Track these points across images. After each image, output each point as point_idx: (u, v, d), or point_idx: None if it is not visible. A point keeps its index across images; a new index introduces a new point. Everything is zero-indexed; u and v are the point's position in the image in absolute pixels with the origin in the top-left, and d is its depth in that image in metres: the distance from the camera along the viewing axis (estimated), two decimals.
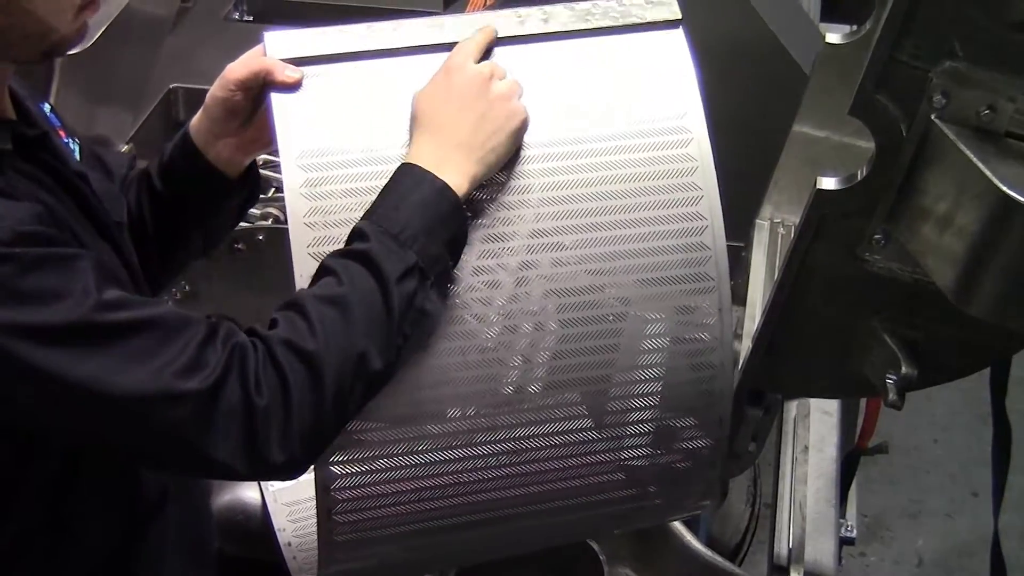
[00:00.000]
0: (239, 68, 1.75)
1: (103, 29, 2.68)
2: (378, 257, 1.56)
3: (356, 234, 1.60)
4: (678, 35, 1.78)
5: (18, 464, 1.58)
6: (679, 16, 1.79)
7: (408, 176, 1.62)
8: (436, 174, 1.62)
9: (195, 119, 1.84)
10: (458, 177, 1.63)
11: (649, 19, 1.78)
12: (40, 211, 1.49)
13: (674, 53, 1.77)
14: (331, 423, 1.56)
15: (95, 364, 1.44)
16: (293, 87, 1.69)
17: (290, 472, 1.57)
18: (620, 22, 1.78)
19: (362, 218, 1.61)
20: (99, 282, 1.46)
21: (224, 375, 1.48)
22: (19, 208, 1.46)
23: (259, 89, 1.74)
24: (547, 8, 1.78)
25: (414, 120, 1.68)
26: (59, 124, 1.74)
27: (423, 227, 1.59)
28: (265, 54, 1.73)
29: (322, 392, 1.52)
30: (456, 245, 1.64)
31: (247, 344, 1.53)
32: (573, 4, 1.79)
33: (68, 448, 1.61)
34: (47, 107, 1.75)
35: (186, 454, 1.51)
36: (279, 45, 1.72)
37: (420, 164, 1.63)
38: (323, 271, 1.59)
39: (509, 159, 1.69)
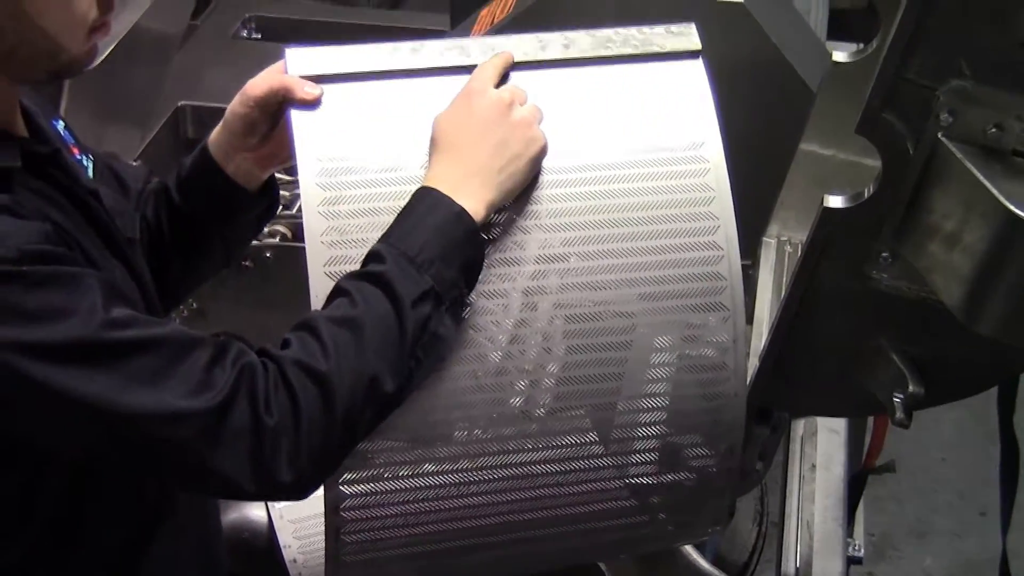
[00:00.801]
0: (259, 84, 1.76)
1: (112, 47, 2.69)
2: (394, 280, 1.56)
3: (372, 256, 1.60)
4: (698, 65, 1.79)
5: (27, 480, 1.58)
6: (699, 46, 1.79)
7: (425, 200, 1.63)
8: (453, 199, 1.62)
9: (214, 133, 1.85)
10: (475, 203, 1.63)
11: (669, 48, 1.79)
12: (48, 229, 1.48)
13: (694, 83, 1.78)
14: (340, 444, 1.56)
15: (101, 383, 1.43)
16: (313, 104, 1.69)
17: (298, 492, 1.56)
18: (640, 50, 1.79)
19: (379, 240, 1.61)
20: (107, 300, 1.46)
21: (232, 395, 1.48)
22: (26, 226, 1.46)
23: (278, 105, 1.75)
24: (568, 34, 1.78)
25: (433, 143, 1.68)
26: (72, 141, 1.74)
27: (439, 252, 1.59)
28: (286, 70, 1.73)
29: (333, 413, 1.51)
30: (471, 271, 1.64)
31: (257, 364, 1.52)
32: (594, 31, 1.79)
33: (77, 464, 1.60)
34: (60, 124, 1.75)
35: (193, 473, 1.51)
36: (300, 62, 1.73)
37: (438, 188, 1.63)
38: (337, 292, 1.58)
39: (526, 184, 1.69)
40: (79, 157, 1.73)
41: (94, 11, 1.55)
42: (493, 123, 1.68)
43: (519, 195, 1.69)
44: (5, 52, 1.51)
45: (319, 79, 1.71)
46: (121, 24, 2.77)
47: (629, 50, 1.78)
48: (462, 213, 1.61)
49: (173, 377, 1.47)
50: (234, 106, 1.80)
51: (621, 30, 1.80)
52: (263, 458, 1.49)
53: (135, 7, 2.85)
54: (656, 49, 1.79)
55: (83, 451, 1.53)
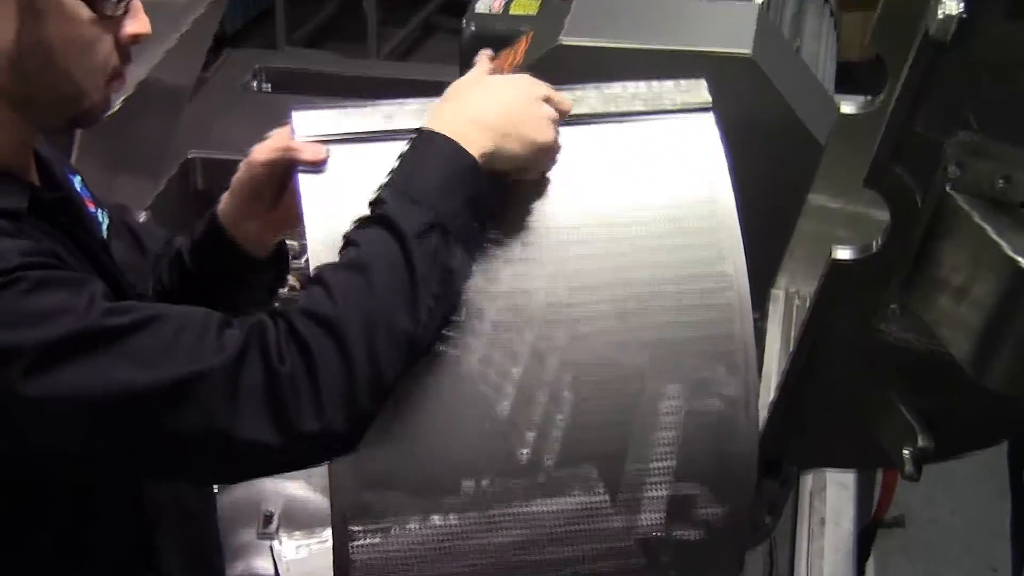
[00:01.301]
0: (264, 150, 1.76)
1: (123, 99, 2.70)
2: (395, 217, 1.53)
3: (375, 201, 1.58)
4: (708, 120, 1.79)
5: (28, 509, 1.58)
6: (709, 101, 1.79)
7: (422, 139, 1.61)
8: (450, 138, 1.60)
9: (223, 200, 1.85)
10: (471, 147, 1.60)
11: (680, 104, 1.79)
12: (47, 249, 1.50)
13: (705, 138, 1.78)
14: (368, 387, 1.50)
15: (112, 369, 1.42)
16: (319, 166, 1.68)
17: (331, 443, 1.51)
18: (651, 106, 1.79)
19: (381, 186, 1.60)
20: (106, 297, 1.46)
21: (244, 350, 1.45)
22: (24, 242, 1.47)
23: (285, 170, 1.74)
24: (577, 91, 1.78)
25: (443, 97, 1.69)
26: (88, 195, 1.76)
27: (438, 185, 1.57)
28: (292, 133, 1.72)
29: (349, 355, 1.47)
30: (477, 204, 1.60)
31: (266, 321, 1.50)
32: (603, 87, 1.79)
33: (83, 486, 1.60)
34: (78, 179, 1.76)
35: (216, 448, 1.47)
36: (306, 124, 1.72)
37: (435, 129, 1.61)
38: (345, 244, 1.57)
39: (531, 228, 1.69)
40: (94, 211, 1.74)
41: (114, 59, 1.58)
42: (511, 93, 1.67)
43: (528, 245, 1.69)
44: (30, 94, 1.53)
45: (325, 141, 1.70)
46: (132, 76, 2.77)
47: (639, 105, 1.78)
48: (459, 148, 1.59)
49: (182, 346, 1.45)
50: (240, 173, 1.80)
51: (630, 86, 1.80)
52: (283, 408, 1.45)
53: (146, 59, 2.87)
54: (666, 104, 1.79)
55: (100, 463, 1.50)
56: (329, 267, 1.54)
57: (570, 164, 1.74)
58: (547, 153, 1.68)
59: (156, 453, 1.49)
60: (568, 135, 1.75)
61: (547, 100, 1.68)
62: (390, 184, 1.58)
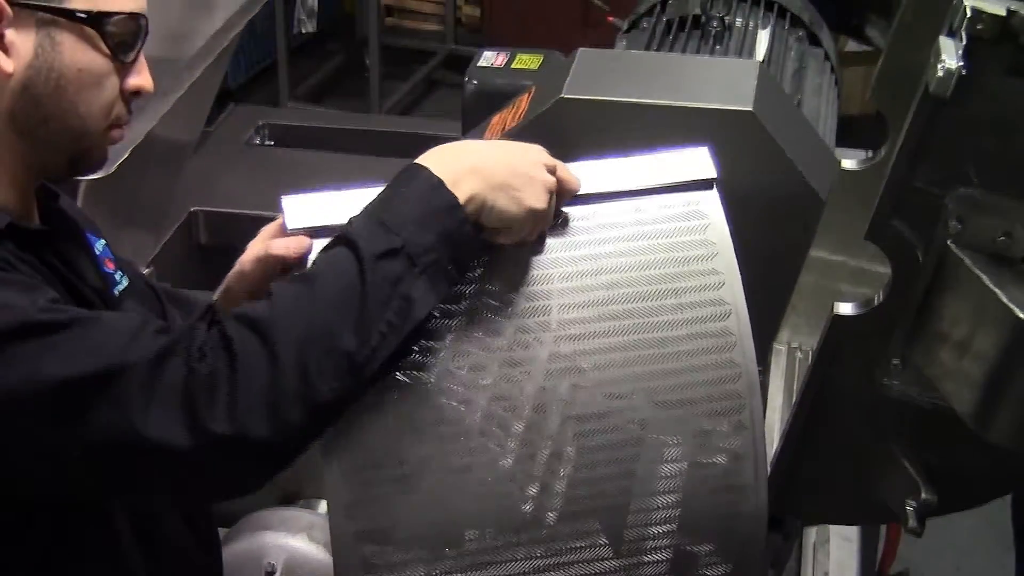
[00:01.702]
0: (250, 254, 1.79)
1: (127, 153, 2.71)
2: (358, 238, 1.49)
3: (347, 224, 1.56)
4: (713, 196, 1.77)
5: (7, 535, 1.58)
6: (714, 175, 1.78)
7: (408, 171, 1.58)
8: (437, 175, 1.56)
9: (219, 294, 1.88)
10: (458, 189, 1.56)
11: (684, 179, 1.76)
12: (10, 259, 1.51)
13: (710, 216, 1.76)
14: (295, 398, 1.42)
15: (38, 359, 1.40)
16: (304, 259, 1.65)
17: (246, 452, 1.42)
18: (655, 182, 1.76)
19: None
20: (54, 301, 1.45)
21: (169, 349, 1.42)
22: None
23: (275, 267, 1.74)
24: (578, 167, 1.74)
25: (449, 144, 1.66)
26: (110, 257, 1.77)
27: (414, 216, 1.52)
28: (284, 223, 1.69)
29: (276, 360, 1.42)
30: (452, 244, 1.54)
31: (199, 325, 1.48)
32: (604, 162, 1.77)
33: (55, 507, 1.60)
34: (102, 243, 1.78)
35: (126, 441, 1.40)
36: (297, 213, 1.69)
37: (424, 164, 1.58)
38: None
39: (533, 288, 1.69)
40: (111, 271, 1.75)
41: (119, 106, 1.62)
42: (519, 154, 1.64)
43: (529, 300, 1.69)
44: (36, 121, 1.56)
45: (316, 232, 1.66)
46: (136, 131, 2.79)
47: (643, 182, 1.76)
48: (442, 185, 1.55)
49: (110, 344, 1.42)
50: (232, 276, 1.83)
51: (633, 159, 1.78)
52: (195, 407, 1.40)
53: (150, 115, 2.88)
54: (670, 180, 1.77)
55: (22, 464, 1.46)
56: (281, 281, 1.53)
57: (572, 244, 1.73)
58: (537, 219, 1.64)
59: (72, 454, 1.44)
60: (571, 215, 1.74)
61: (552, 171, 1.66)
62: (365, 210, 1.56)
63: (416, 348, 1.62)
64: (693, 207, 1.76)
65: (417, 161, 1.59)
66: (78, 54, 1.55)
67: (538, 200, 1.62)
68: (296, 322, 1.45)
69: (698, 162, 1.78)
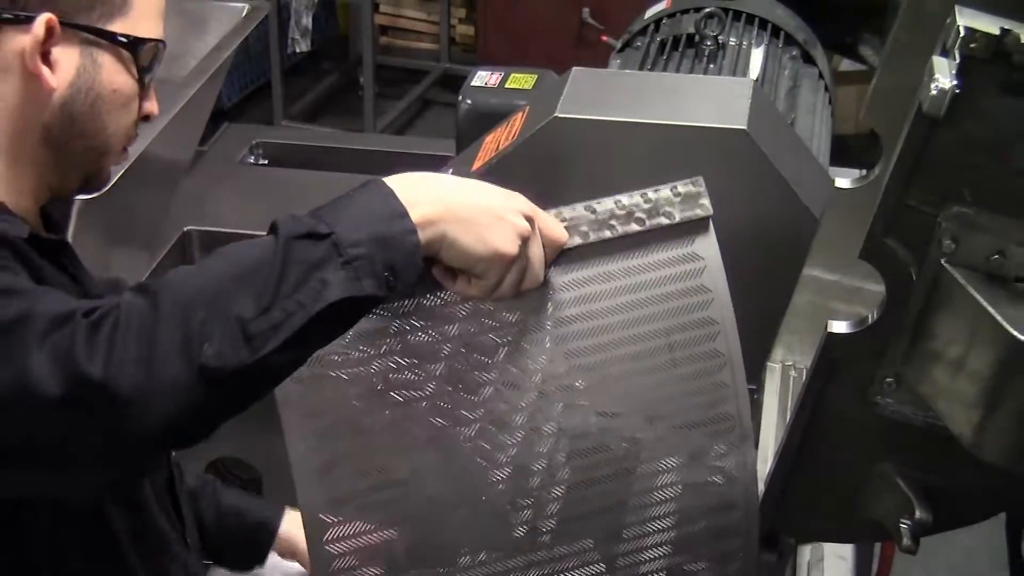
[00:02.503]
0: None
1: (121, 173, 2.71)
2: (283, 224, 1.44)
3: None
4: (709, 240, 1.71)
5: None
6: (709, 212, 1.71)
7: (363, 184, 1.51)
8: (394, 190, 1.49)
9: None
10: (413, 209, 1.48)
11: (679, 219, 1.69)
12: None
13: (706, 261, 1.71)
14: (170, 353, 1.34)
15: None
16: None
17: (114, 400, 1.33)
18: (648, 225, 1.69)
19: None
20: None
21: (74, 311, 1.37)
22: None
23: None
24: (567, 212, 1.68)
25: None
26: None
27: (352, 214, 1.45)
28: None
29: (158, 314, 1.35)
30: (389, 248, 1.45)
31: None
32: (597, 204, 1.69)
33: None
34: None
35: (8, 384, 1.34)
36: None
37: (385, 180, 1.51)
38: None
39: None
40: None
41: (134, 128, 1.70)
42: (494, 196, 1.58)
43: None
44: (69, 137, 1.61)
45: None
46: (130, 151, 2.79)
47: (635, 228, 1.69)
48: (394, 196, 1.48)
49: (30, 297, 1.39)
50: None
51: (624, 199, 1.69)
52: (74, 354, 1.32)
53: (144, 134, 2.86)
54: (664, 222, 1.69)
55: None
56: None
57: (562, 301, 1.69)
58: (503, 264, 1.57)
59: None
60: (559, 273, 1.68)
61: (530, 220, 1.60)
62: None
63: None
64: (687, 250, 1.72)
65: (381, 179, 1.53)
66: (114, 75, 1.61)
67: (505, 243, 1.56)
68: (189, 284, 1.39)
69: (693, 198, 1.71)
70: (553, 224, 1.64)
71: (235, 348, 1.36)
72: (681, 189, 1.70)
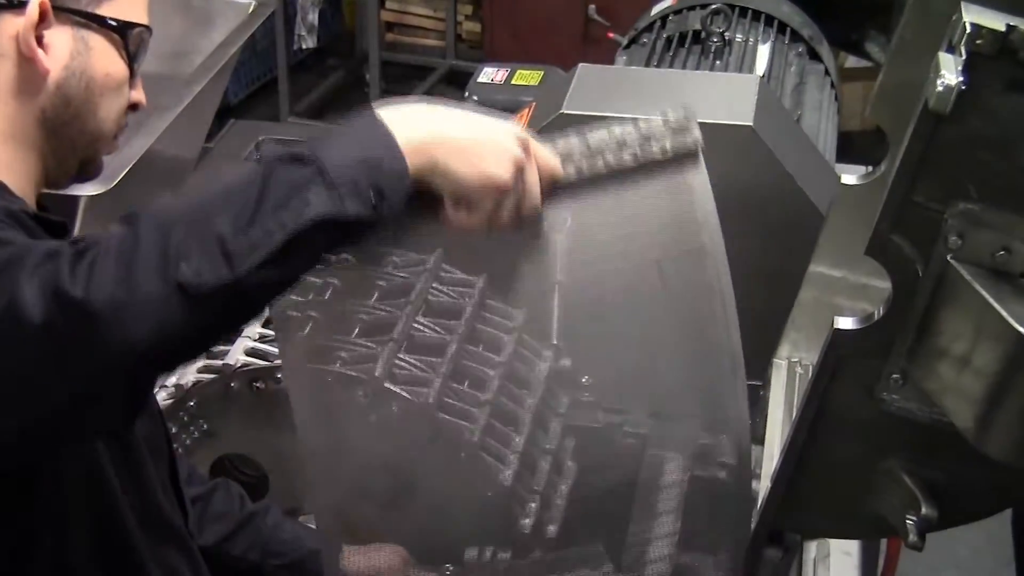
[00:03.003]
0: None
1: (126, 170, 2.72)
2: (268, 150, 1.46)
3: None
4: (700, 172, 1.70)
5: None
6: (699, 142, 1.70)
7: (355, 116, 1.49)
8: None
9: None
10: (402, 134, 1.46)
11: (670, 150, 1.67)
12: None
13: (696, 194, 1.71)
14: (148, 271, 1.35)
15: None
16: None
17: (92, 317, 1.33)
18: (639, 156, 1.67)
19: None
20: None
21: (65, 245, 1.39)
22: None
23: None
24: (561, 142, 1.66)
25: None
26: None
27: (336, 142, 1.44)
28: None
29: (137, 235, 1.36)
30: (377, 170, 1.43)
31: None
32: (589, 134, 1.67)
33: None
34: None
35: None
36: None
37: (377, 112, 1.48)
38: None
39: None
40: None
41: (124, 116, 1.71)
42: (491, 124, 1.55)
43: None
44: (63, 121, 1.63)
45: None
46: (136, 147, 2.80)
47: (627, 158, 1.66)
48: (383, 125, 1.46)
49: (25, 241, 1.43)
50: None
51: (617, 129, 1.67)
52: (60, 277, 1.34)
53: (150, 131, 2.89)
54: (655, 153, 1.67)
55: None
56: None
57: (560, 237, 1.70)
58: (496, 191, 1.54)
59: None
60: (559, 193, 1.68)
61: (525, 149, 1.56)
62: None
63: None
64: (678, 180, 1.69)
65: (373, 110, 1.49)
66: (106, 59, 1.64)
67: (499, 169, 1.53)
68: (170, 207, 1.40)
69: (683, 129, 1.69)
70: (547, 153, 1.63)
71: (213, 265, 1.35)
72: (672, 118, 1.69)
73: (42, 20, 1.58)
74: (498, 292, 1.69)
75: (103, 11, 1.63)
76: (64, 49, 1.61)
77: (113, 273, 1.34)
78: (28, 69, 1.60)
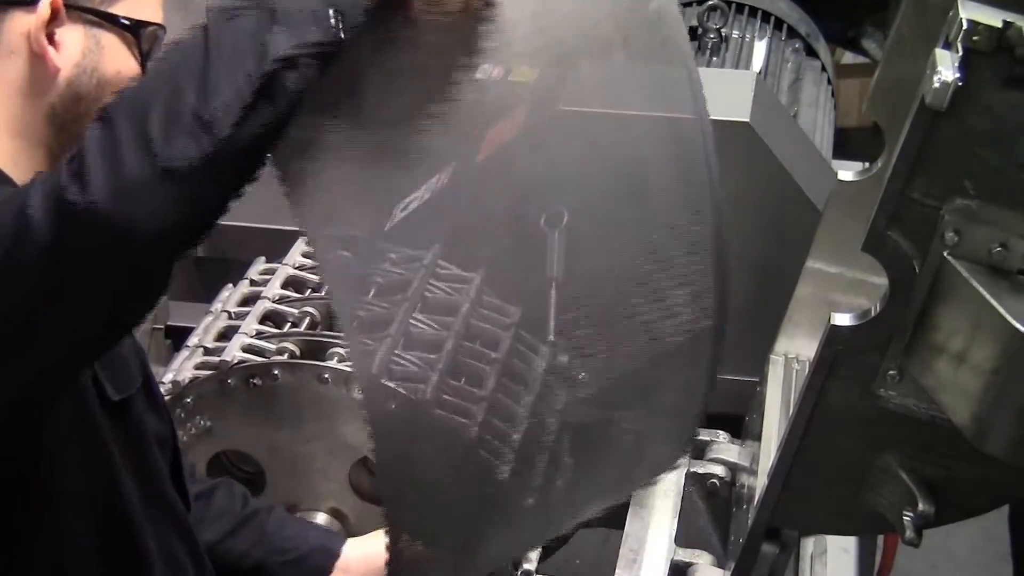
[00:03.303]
0: None
1: None
2: (211, 12, 1.40)
3: None
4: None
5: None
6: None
7: None
8: None
9: None
10: None
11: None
12: None
13: None
14: (133, 163, 1.35)
15: None
16: None
17: (99, 221, 1.35)
18: None
19: None
20: None
21: (58, 167, 1.39)
22: None
23: None
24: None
25: None
26: None
27: None
28: None
29: (113, 131, 1.36)
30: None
31: None
32: None
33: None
34: None
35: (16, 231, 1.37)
36: None
37: None
38: None
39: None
40: None
41: None
42: None
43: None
44: (72, 118, 1.61)
45: None
46: None
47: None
48: None
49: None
50: None
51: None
52: (56, 188, 1.35)
53: None
54: None
55: None
56: None
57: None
58: None
59: None
60: None
61: None
62: None
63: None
64: None
65: None
66: (118, 58, 1.62)
67: None
68: (134, 94, 1.39)
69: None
70: None
71: (195, 139, 1.35)
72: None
73: (54, 18, 1.57)
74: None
75: (116, 10, 1.62)
76: (76, 47, 1.60)
77: (102, 171, 1.34)
78: (38, 66, 1.59)
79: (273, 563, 2.00)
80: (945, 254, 1.49)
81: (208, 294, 2.54)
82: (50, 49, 1.58)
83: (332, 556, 1.97)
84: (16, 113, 1.62)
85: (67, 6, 1.57)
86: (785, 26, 3.07)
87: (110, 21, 1.62)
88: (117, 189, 1.34)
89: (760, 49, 2.90)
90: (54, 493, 1.62)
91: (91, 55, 1.61)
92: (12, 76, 1.60)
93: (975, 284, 1.46)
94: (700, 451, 2.37)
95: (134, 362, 1.73)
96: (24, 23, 1.57)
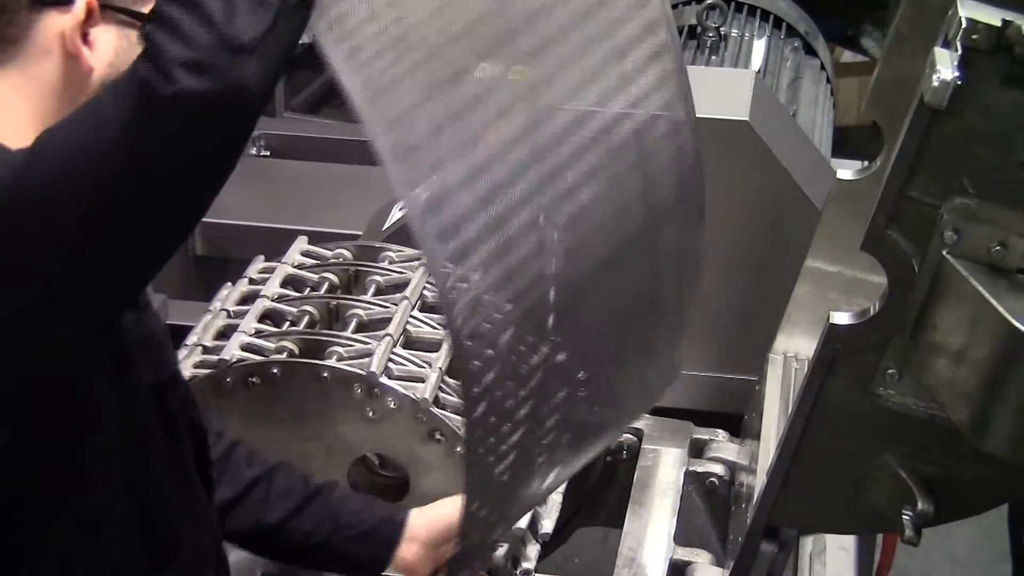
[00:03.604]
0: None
1: None
2: None
3: None
4: None
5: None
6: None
7: None
8: None
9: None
10: None
11: None
12: None
13: None
14: (206, 41, 1.42)
15: None
16: None
17: (196, 104, 1.43)
18: None
19: None
20: None
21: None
22: None
23: None
24: None
25: None
26: None
27: None
28: None
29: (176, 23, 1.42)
30: None
31: None
32: None
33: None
34: None
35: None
36: None
37: None
38: None
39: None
40: None
41: None
42: None
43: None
44: None
45: None
46: None
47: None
48: None
49: None
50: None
51: None
52: (149, 84, 1.39)
53: None
54: None
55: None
56: None
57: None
58: None
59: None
60: None
61: None
62: None
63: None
64: None
65: None
66: None
67: None
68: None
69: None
70: None
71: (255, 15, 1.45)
72: None
73: (89, 18, 1.58)
74: None
75: (149, 9, 1.63)
76: (109, 47, 1.61)
77: (183, 54, 1.40)
78: (72, 66, 1.60)
79: (340, 538, 1.99)
80: (944, 253, 1.49)
81: (207, 293, 2.54)
82: (84, 49, 1.59)
83: (400, 527, 1.97)
84: (50, 112, 1.62)
85: (101, 6, 1.58)
86: (784, 25, 3.07)
87: (143, 20, 1.63)
88: (197, 67, 1.40)
89: (759, 48, 2.90)
90: (96, 470, 1.64)
91: (124, 55, 1.60)
92: (46, 76, 1.61)
93: (974, 283, 1.46)
94: (699, 450, 2.37)
95: (168, 347, 1.76)
96: (59, 23, 1.58)
